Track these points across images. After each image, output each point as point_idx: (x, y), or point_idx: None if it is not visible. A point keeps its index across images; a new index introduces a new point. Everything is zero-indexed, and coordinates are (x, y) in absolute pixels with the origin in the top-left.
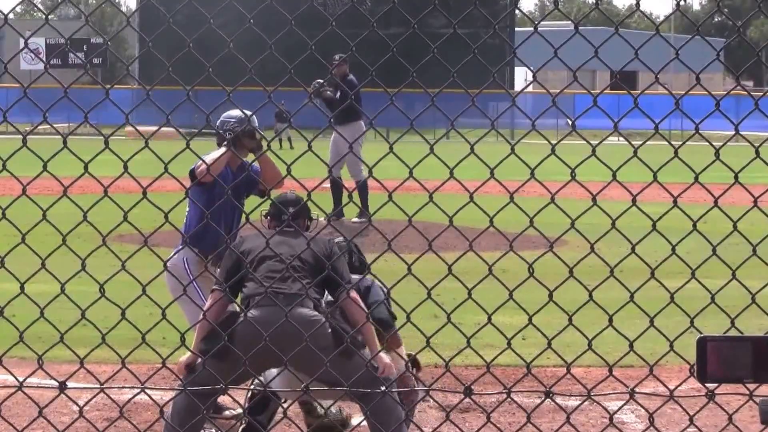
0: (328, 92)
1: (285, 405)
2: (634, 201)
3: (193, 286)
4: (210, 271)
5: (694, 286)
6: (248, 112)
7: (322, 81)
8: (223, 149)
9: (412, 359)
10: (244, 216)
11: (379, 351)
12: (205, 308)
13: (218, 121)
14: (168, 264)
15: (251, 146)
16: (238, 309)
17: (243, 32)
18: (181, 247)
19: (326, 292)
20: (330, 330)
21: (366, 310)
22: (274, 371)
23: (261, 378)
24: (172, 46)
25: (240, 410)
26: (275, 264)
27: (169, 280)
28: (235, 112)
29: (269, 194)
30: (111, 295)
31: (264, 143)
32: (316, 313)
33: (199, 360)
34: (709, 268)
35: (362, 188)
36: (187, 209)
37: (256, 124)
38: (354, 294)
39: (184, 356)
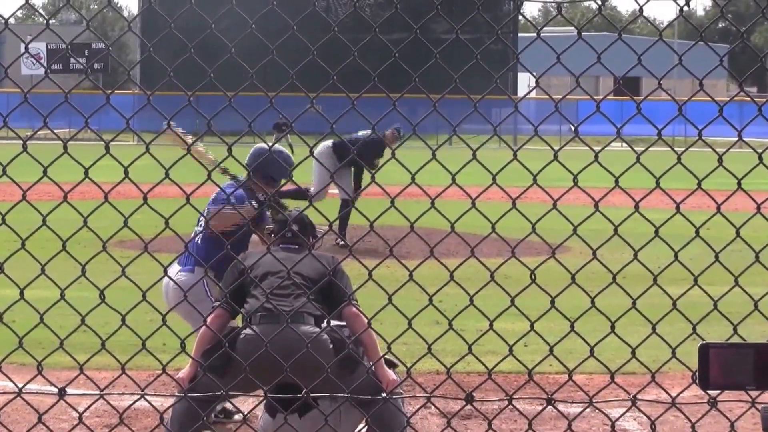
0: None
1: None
2: (636, 207)
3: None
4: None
5: (697, 292)
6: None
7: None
8: (246, 209)
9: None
10: None
11: (378, 360)
12: (206, 322)
13: (256, 159)
14: (174, 286)
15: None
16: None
17: (245, 37)
18: (192, 269)
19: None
20: (332, 346)
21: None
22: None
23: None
24: (173, 51)
25: (240, 416)
26: (277, 280)
27: (182, 305)
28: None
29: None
30: (111, 301)
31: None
32: (318, 329)
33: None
34: (711, 274)
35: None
36: (198, 228)
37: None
38: (356, 308)
39: (184, 371)
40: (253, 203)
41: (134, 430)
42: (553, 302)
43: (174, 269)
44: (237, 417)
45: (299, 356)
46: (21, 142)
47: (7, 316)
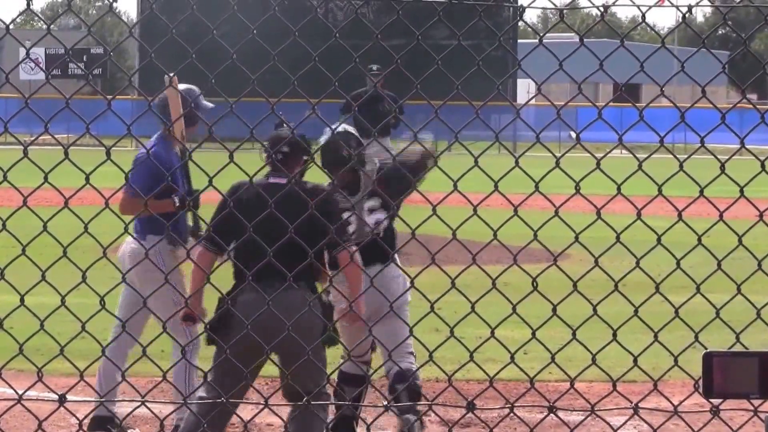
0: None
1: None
2: (638, 215)
3: (170, 284)
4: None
5: (699, 300)
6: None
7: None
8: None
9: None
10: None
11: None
12: (195, 262)
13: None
14: (131, 252)
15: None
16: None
17: (246, 43)
18: (144, 237)
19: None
20: (320, 310)
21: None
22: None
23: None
24: (173, 56)
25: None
26: (266, 235)
27: (137, 273)
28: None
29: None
30: (111, 307)
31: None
32: (308, 297)
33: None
34: (713, 282)
35: None
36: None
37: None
38: (351, 252)
39: (192, 308)
40: (175, 200)
41: None
42: (554, 310)
43: (128, 237)
44: None
45: (293, 326)
46: (18, 147)
47: (6, 322)
